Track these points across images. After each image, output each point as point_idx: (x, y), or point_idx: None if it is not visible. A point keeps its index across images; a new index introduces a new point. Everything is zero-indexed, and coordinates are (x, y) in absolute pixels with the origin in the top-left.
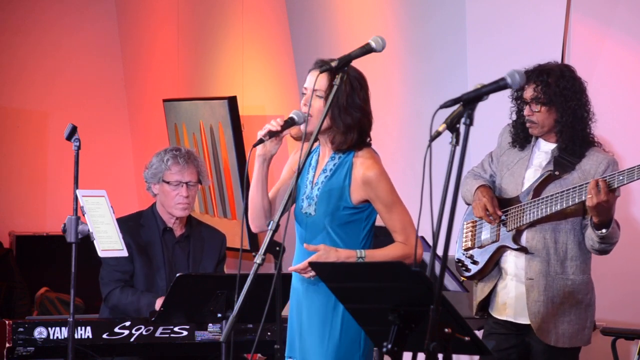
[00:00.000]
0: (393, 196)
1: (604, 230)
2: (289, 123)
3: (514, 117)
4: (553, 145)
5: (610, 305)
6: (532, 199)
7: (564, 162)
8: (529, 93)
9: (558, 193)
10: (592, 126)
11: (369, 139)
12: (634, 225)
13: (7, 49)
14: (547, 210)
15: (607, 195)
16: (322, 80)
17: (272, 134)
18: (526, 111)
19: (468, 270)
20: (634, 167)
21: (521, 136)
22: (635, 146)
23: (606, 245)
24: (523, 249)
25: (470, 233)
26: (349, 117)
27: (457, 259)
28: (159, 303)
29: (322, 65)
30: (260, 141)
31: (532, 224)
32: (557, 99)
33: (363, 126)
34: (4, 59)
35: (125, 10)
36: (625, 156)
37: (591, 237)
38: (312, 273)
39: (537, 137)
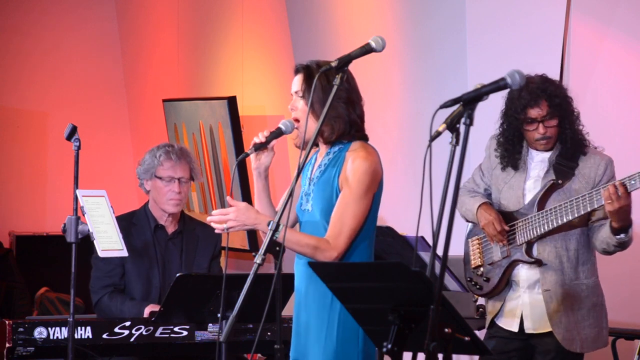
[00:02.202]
0: (359, 193)
1: (622, 235)
2: (276, 134)
3: (502, 139)
4: (547, 154)
5: (610, 305)
6: (537, 210)
7: (563, 169)
8: (542, 111)
9: (567, 202)
10: (580, 125)
11: (363, 131)
12: (634, 225)
13: (7, 49)
14: (557, 221)
15: (627, 199)
16: (300, 81)
17: (257, 147)
18: (540, 129)
19: (481, 288)
20: None
21: (512, 158)
22: (636, 146)
23: (620, 249)
24: (538, 262)
25: (477, 250)
26: (332, 110)
27: (469, 277)
28: (147, 310)
29: (300, 70)
30: (245, 155)
31: (542, 237)
32: (563, 108)
33: (350, 115)
34: (4, 59)
35: (125, 10)
36: (625, 156)
37: (607, 241)
38: (224, 226)
39: (527, 149)
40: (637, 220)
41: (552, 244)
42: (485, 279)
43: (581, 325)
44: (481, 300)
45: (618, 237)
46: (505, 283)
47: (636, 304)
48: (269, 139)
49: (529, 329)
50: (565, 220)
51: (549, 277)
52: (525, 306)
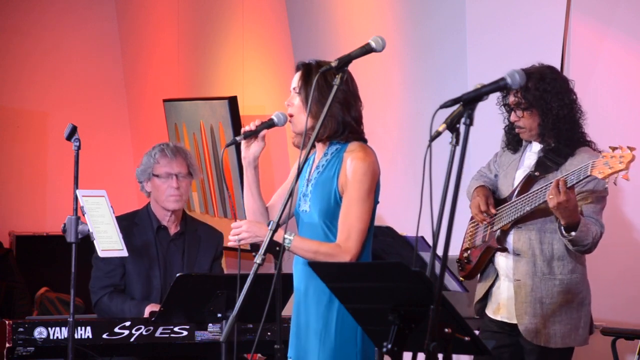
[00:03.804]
0: (361, 194)
1: (572, 233)
2: (267, 124)
3: (506, 122)
4: (540, 146)
5: (610, 305)
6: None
7: (547, 163)
8: (511, 99)
9: (533, 192)
10: (583, 124)
11: (360, 133)
12: (634, 225)
13: (7, 49)
14: (525, 209)
15: (567, 194)
16: (298, 78)
17: (247, 134)
18: (512, 117)
19: (464, 270)
20: (581, 166)
21: (513, 140)
22: (636, 146)
23: (579, 247)
24: (504, 249)
25: (470, 234)
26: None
27: (457, 259)
28: (147, 310)
29: (299, 68)
30: (234, 141)
31: (517, 225)
32: (538, 103)
33: (344, 117)
34: (4, 59)
35: (125, 10)
36: None
37: (563, 239)
38: (236, 238)
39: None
40: (636, 220)
41: (527, 235)
42: (467, 261)
43: (550, 320)
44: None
45: (567, 235)
46: (484, 267)
47: (636, 304)
48: (259, 128)
49: (503, 317)
50: (531, 207)
51: (521, 267)
52: (503, 295)
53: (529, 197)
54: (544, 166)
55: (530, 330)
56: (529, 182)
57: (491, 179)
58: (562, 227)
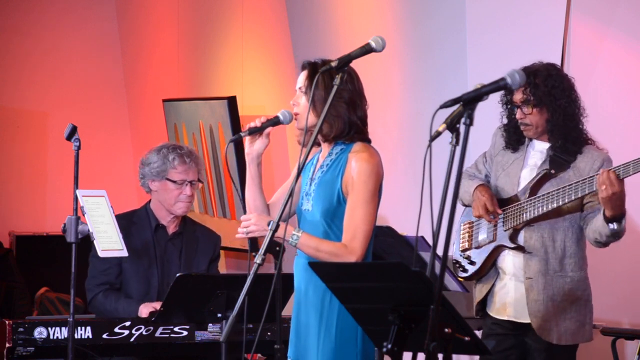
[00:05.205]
0: (365, 195)
1: (615, 226)
2: (272, 122)
3: (505, 120)
4: (547, 145)
5: (610, 305)
6: (528, 197)
7: (559, 161)
8: (518, 96)
9: (555, 190)
10: (584, 122)
11: (365, 133)
12: (634, 225)
13: (7, 49)
14: (544, 208)
15: (620, 185)
16: (304, 78)
17: (251, 130)
18: (518, 114)
19: (465, 270)
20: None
21: (514, 139)
22: (636, 146)
23: (613, 240)
24: (520, 248)
25: (467, 234)
26: (332, 108)
27: (455, 259)
28: (142, 309)
29: (305, 67)
30: (239, 137)
31: (529, 223)
32: (547, 99)
33: (350, 117)
34: (4, 59)
35: (125, 10)
36: (625, 156)
37: (599, 230)
38: (244, 230)
39: (530, 138)
40: (636, 219)
41: (539, 232)
42: (470, 262)
43: (561, 317)
44: None
45: (611, 226)
46: (489, 267)
47: (636, 304)
48: (264, 125)
49: (510, 316)
50: (552, 207)
51: (533, 265)
52: (510, 294)
53: (547, 197)
54: (557, 164)
55: (543, 328)
56: (543, 179)
57: (481, 179)
58: (606, 219)
